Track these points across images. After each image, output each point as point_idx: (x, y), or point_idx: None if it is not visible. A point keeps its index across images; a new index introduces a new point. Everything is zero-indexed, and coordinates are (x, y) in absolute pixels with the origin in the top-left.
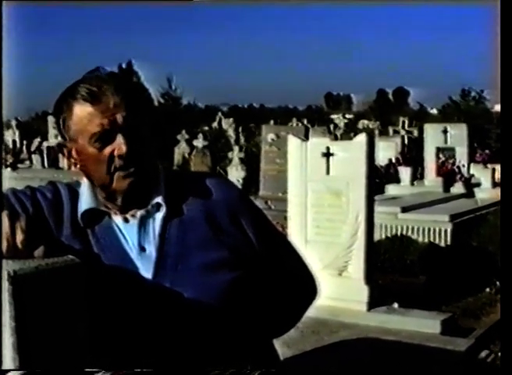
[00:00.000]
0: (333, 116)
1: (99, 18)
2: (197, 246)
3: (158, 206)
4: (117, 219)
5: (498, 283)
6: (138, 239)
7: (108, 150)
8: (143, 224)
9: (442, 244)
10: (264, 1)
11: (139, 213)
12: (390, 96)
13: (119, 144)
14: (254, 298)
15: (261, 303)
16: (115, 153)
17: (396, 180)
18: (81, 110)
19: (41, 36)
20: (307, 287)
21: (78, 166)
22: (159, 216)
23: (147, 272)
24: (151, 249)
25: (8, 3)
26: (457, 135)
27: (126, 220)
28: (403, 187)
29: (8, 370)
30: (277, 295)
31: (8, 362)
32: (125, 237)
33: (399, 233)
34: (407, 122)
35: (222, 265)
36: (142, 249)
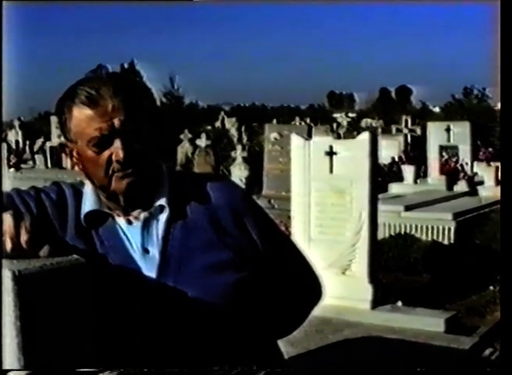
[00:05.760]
0: (336, 115)
1: (100, 18)
2: (200, 248)
3: (161, 208)
4: (120, 221)
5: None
6: (141, 241)
7: (106, 154)
8: (146, 226)
9: (446, 242)
10: (266, 1)
11: (142, 215)
12: (393, 94)
13: (117, 149)
14: (258, 299)
15: (265, 304)
16: (113, 158)
17: (400, 178)
18: (80, 113)
19: (42, 35)
20: (312, 289)
21: (79, 166)
22: (163, 218)
23: (150, 274)
24: (155, 251)
25: (8, 3)
26: (460, 133)
27: (129, 222)
28: (406, 185)
29: (9, 370)
30: (282, 296)
31: (11, 362)
32: (128, 239)
33: (402, 232)
34: (409, 120)
35: (226, 266)
36: (145, 251)
